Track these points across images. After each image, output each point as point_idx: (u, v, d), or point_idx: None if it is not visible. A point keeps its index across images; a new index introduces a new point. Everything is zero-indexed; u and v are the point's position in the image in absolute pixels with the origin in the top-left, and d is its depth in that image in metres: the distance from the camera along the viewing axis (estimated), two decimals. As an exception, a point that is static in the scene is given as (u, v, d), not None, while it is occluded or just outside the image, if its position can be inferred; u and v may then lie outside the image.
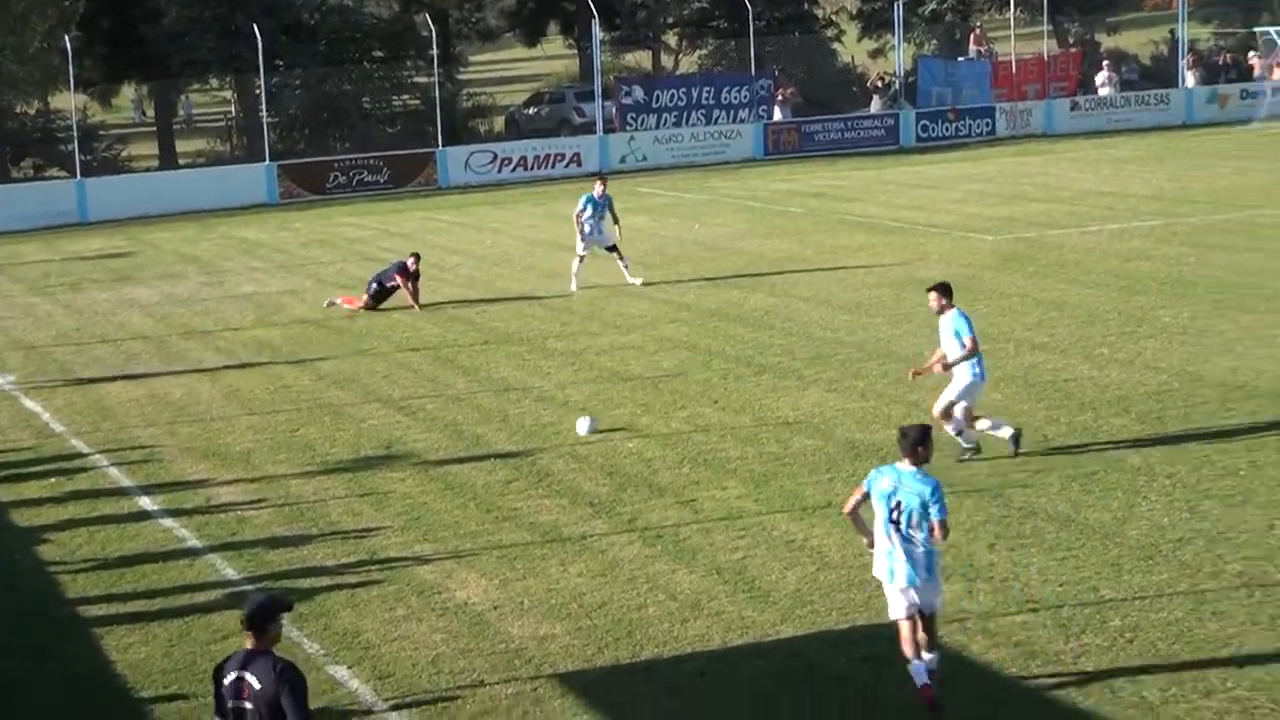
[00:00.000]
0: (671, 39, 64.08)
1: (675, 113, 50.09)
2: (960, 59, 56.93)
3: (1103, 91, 55.07)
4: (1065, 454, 16.47)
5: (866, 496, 10.98)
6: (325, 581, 13.94)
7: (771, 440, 17.60)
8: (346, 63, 52.50)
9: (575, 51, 65.14)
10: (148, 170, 50.61)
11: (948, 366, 16.26)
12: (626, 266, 27.79)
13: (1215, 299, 23.87)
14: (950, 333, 16.23)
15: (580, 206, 27.58)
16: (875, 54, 63.86)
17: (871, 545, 11.04)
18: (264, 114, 47.54)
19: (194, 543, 15.22)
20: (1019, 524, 14.44)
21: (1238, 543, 13.67)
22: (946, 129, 51.88)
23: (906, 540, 10.75)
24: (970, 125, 52.17)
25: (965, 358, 16.13)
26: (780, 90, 52.18)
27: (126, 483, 17.43)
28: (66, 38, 45.15)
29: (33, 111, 52.50)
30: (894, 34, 54.76)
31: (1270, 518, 14.25)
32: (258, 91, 48.00)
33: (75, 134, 46.01)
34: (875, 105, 54.09)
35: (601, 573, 13.79)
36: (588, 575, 13.76)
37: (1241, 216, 32.10)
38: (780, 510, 15.19)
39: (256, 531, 15.48)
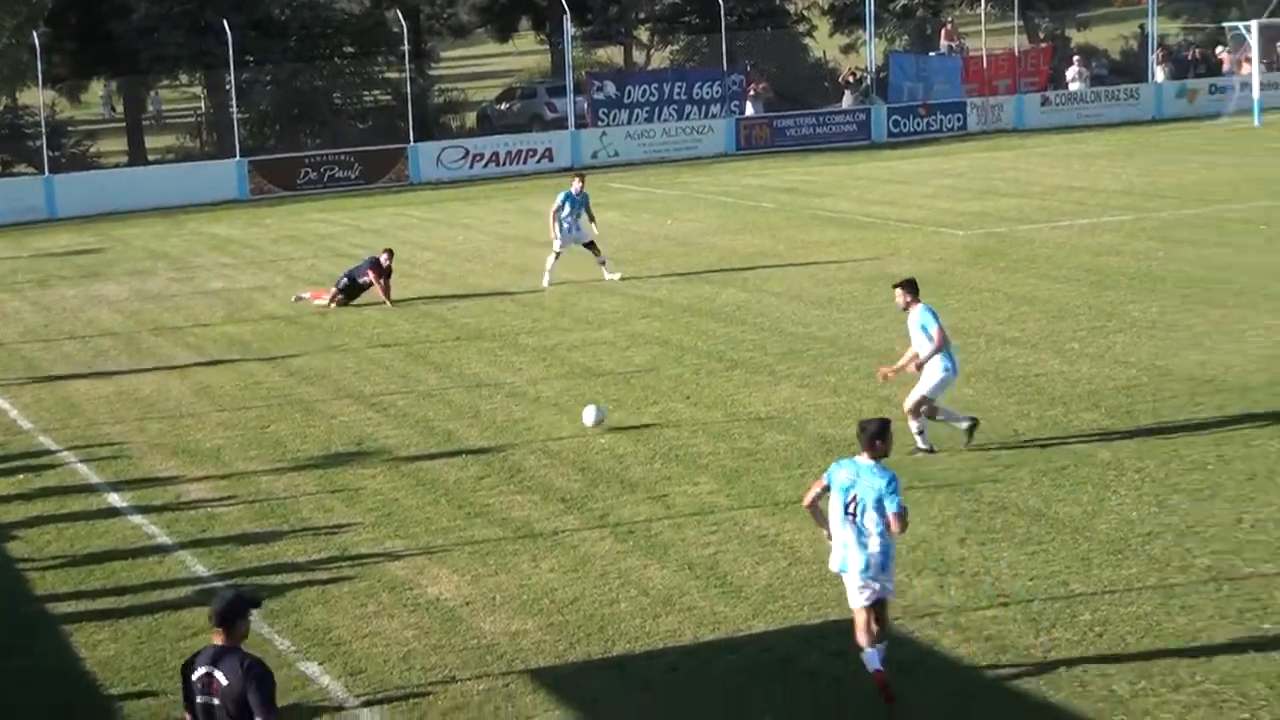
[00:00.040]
0: (643, 34, 64.10)
1: (647, 108, 50.11)
2: (931, 54, 57.09)
3: (1073, 86, 55.28)
4: (1036, 448, 16.52)
5: (827, 489, 11.07)
6: (296, 578, 13.90)
7: (743, 435, 17.62)
8: (317, 58, 52.33)
9: (547, 47, 65.05)
10: (117, 167, 50.36)
11: (921, 366, 16.30)
12: (604, 263, 27.78)
13: (1184, 294, 23.97)
14: (917, 328, 16.30)
15: (558, 203, 27.52)
16: (847, 49, 63.95)
17: (830, 537, 11.12)
18: (234, 110, 47.38)
19: (164, 539, 15.16)
20: (990, 518, 14.48)
21: (1206, 536, 13.74)
22: (918, 124, 52.01)
23: (862, 532, 10.84)
24: (941, 120, 52.31)
25: (935, 352, 16.19)
26: (752, 85, 52.22)
27: (95, 479, 17.35)
28: (35, 33, 44.92)
29: (0, 108, 52.20)
30: (865, 29, 54.84)
31: (1238, 511, 14.32)
32: (228, 87, 47.83)
33: (43, 130, 45.80)
34: (847, 100, 54.20)
35: (573, 568, 13.79)
36: (559, 571, 13.75)
37: (1210, 211, 32.24)
38: (752, 505, 15.20)
39: (227, 528, 15.43)
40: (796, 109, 53.23)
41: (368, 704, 11.40)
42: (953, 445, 16.61)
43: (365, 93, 55.04)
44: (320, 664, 12.07)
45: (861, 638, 11.03)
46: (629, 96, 50.13)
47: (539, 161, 47.63)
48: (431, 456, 17.50)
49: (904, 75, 54.55)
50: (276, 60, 50.48)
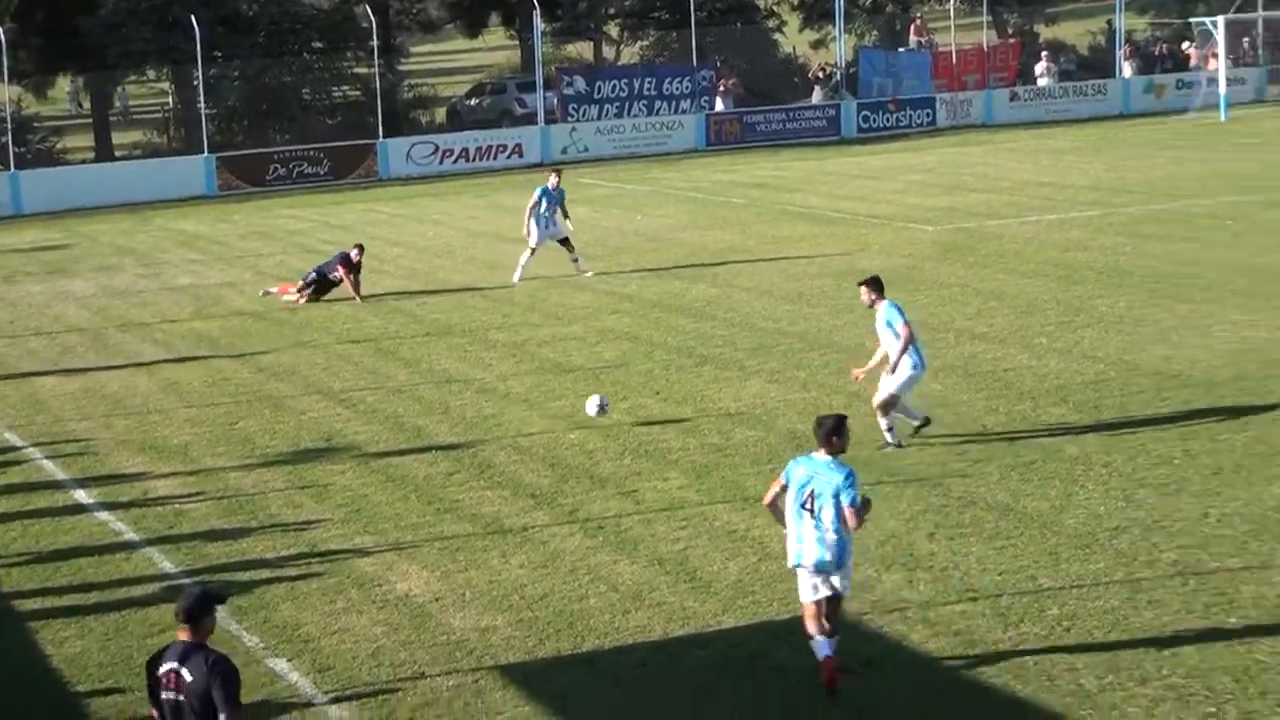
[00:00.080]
0: (613, 30, 64.05)
1: (617, 104, 50.09)
2: (901, 50, 57.22)
3: (1041, 82, 55.48)
4: (1004, 443, 16.58)
5: (785, 488, 11.11)
6: (265, 574, 13.86)
7: (713, 431, 17.62)
8: (286, 54, 52.14)
9: (517, 42, 64.95)
10: (84, 163, 50.09)
11: (895, 368, 16.31)
12: (576, 259, 27.76)
13: (1151, 288, 24.08)
14: (883, 324, 16.35)
15: (535, 198, 27.47)
16: (816, 45, 64.06)
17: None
18: (202, 106, 47.16)
19: (131, 536, 15.10)
20: (958, 513, 14.52)
21: (1172, 531, 13.80)
22: (887, 120, 52.11)
23: (820, 527, 10.90)
24: (911, 116, 52.43)
25: (905, 349, 16.22)
26: (722, 81, 52.24)
27: (61, 476, 17.26)
28: (0, 29, 44.60)
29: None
30: (835, 25, 54.89)
31: (1204, 506, 14.39)
32: (196, 83, 47.61)
33: (9, 126, 45.48)
34: (816, 96, 54.28)
35: (543, 564, 13.78)
36: (529, 567, 13.73)
37: (1177, 206, 32.39)
38: (722, 501, 15.21)
39: (195, 524, 15.37)
40: (766, 104, 53.29)
41: (336, 700, 11.37)
42: (922, 441, 16.66)
43: (334, 88, 54.83)
44: (289, 660, 12.03)
45: (810, 626, 11.15)
46: (599, 92, 50.10)
47: (509, 157, 47.55)
48: (401, 452, 17.47)
49: (874, 71, 54.63)
50: (245, 56, 50.27)
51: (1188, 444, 16.22)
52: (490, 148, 47.83)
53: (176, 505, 15.97)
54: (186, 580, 13.59)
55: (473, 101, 58.61)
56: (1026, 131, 50.12)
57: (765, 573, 13.26)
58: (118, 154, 52.05)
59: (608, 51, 64.96)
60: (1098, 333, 21.35)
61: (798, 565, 11.11)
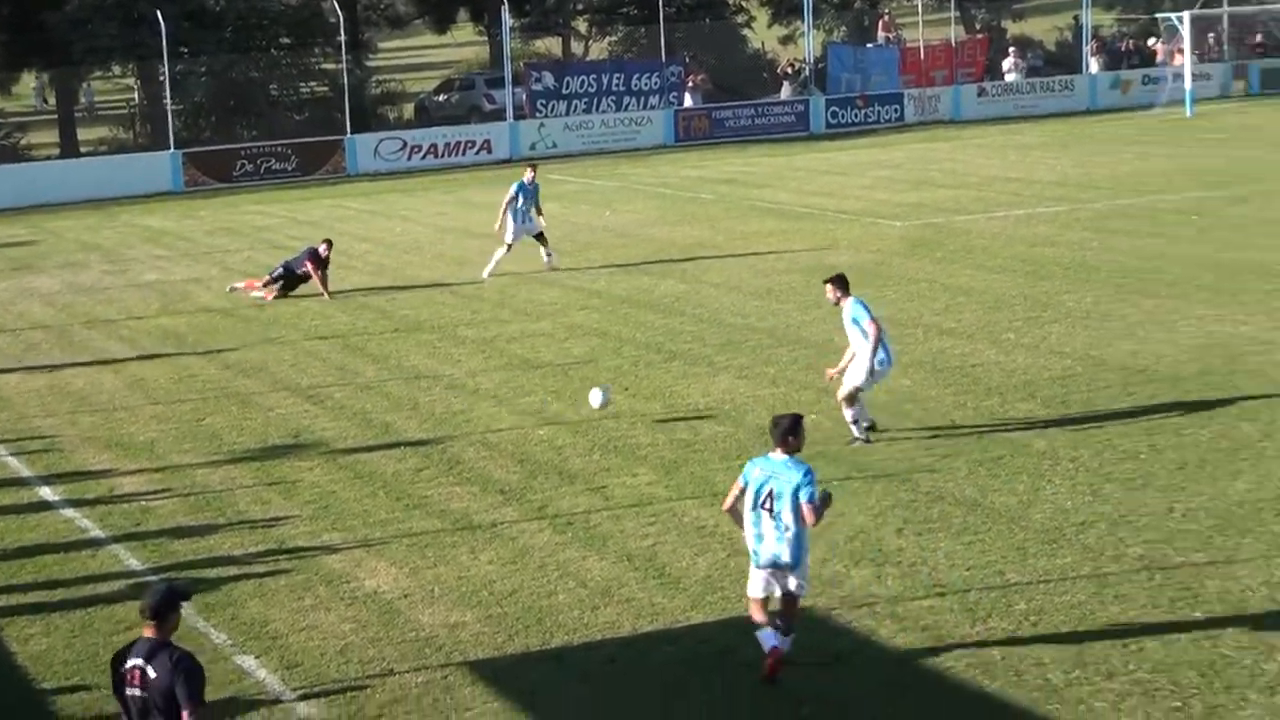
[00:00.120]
0: (582, 25, 63.99)
1: (585, 99, 50.04)
2: (869, 45, 57.35)
3: (1009, 78, 55.67)
4: (972, 438, 16.62)
5: (744, 491, 11.14)
6: (232, 571, 13.81)
7: (682, 427, 17.63)
8: (253, 49, 51.91)
9: (485, 38, 64.86)
10: (49, 159, 49.84)
11: (872, 371, 16.32)
12: (550, 255, 27.74)
13: (1118, 284, 24.18)
14: (850, 321, 16.37)
15: (511, 193, 27.42)
16: (785, 40, 64.15)
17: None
18: (168, 101, 46.93)
19: (96, 533, 15.02)
20: (927, 508, 14.55)
21: (1138, 525, 13.86)
22: (856, 115, 52.22)
23: (779, 525, 10.95)
24: (879, 111, 52.54)
25: (874, 346, 16.23)
26: (691, 76, 52.26)
27: (26, 473, 17.17)
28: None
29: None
30: (804, 20, 54.97)
31: (1170, 500, 14.46)
32: (162, 79, 47.38)
33: (-26, 121, 45.26)
34: (785, 91, 54.35)
35: (512, 560, 13.76)
36: (498, 563, 13.72)
37: (1143, 202, 32.54)
38: (691, 497, 15.21)
39: (161, 521, 15.30)
40: (735, 100, 53.34)
41: (305, 697, 11.33)
42: (889, 436, 16.70)
43: (302, 84, 54.66)
44: (257, 657, 11.99)
45: (757, 616, 11.22)
46: (567, 88, 50.06)
47: (477, 153, 47.49)
48: (369, 449, 17.42)
49: (842, 67, 54.75)
50: (211, 51, 50.04)
51: (1154, 439, 16.29)
52: (459, 144, 47.75)
53: (143, 502, 15.90)
54: (152, 577, 13.52)
55: (441, 97, 58.48)
56: (994, 127, 50.27)
57: (734, 568, 13.25)
58: (83, 150, 51.74)
59: (576, 47, 64.90)
60: (1065, 328, 21.43)
61: (754, 562, 11.17)
